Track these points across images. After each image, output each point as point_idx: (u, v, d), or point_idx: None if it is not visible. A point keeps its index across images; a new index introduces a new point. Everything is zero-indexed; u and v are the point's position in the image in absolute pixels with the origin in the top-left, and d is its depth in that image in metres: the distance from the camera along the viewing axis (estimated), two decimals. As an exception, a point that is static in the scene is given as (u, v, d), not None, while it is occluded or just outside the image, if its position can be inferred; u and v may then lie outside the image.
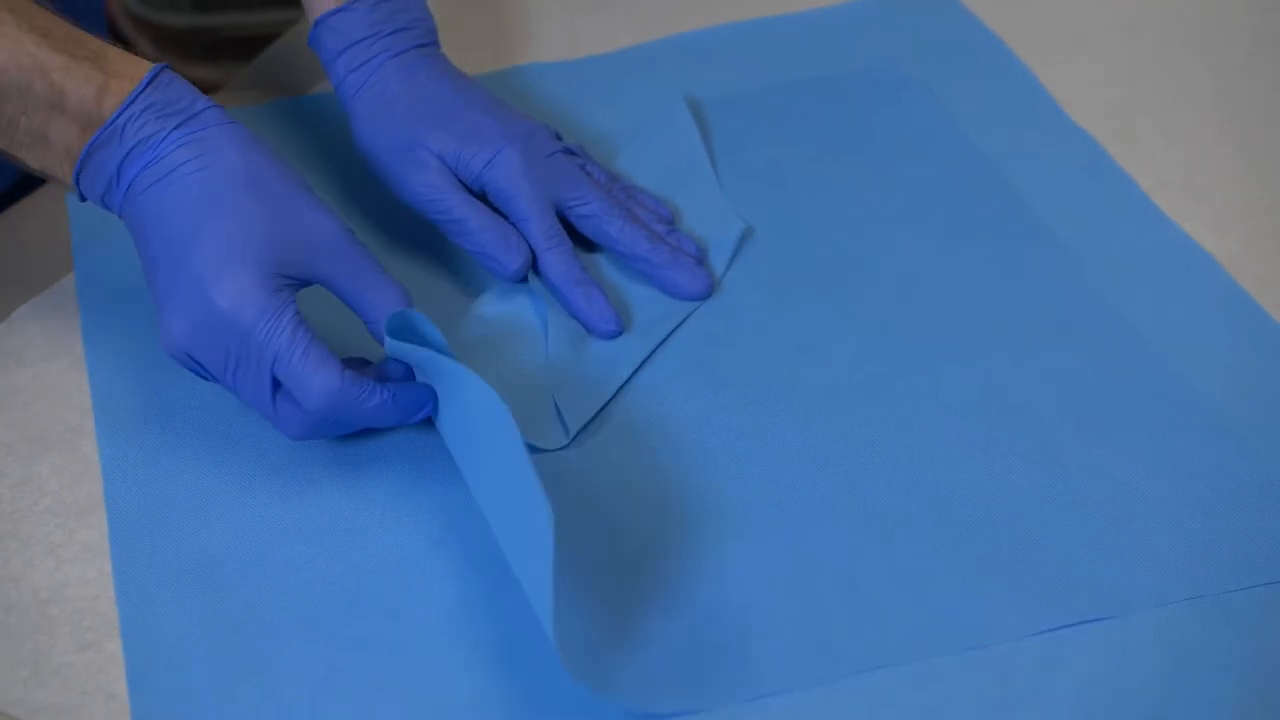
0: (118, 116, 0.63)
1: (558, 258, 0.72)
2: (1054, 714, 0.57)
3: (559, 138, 0.76)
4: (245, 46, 0.99)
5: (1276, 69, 0.90)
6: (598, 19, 0.92)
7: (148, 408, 0.68)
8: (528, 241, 0.72)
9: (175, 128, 0.64)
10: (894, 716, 0.57)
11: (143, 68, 0.64)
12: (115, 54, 0.65)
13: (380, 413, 0.63)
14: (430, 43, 0.76)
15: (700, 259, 0.75)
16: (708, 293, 0.73)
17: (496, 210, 0.74)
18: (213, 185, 0.63)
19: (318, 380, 0.62)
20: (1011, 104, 0.86)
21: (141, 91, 0.64)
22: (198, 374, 0.64)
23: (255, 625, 0.60)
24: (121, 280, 0.74)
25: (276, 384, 0.63)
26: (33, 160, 0.65)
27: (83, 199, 0.66)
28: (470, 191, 0.73)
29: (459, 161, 0.73)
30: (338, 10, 0.75)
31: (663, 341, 0.72)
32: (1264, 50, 0.91)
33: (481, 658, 0.59)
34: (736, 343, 0.72)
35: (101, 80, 0.63)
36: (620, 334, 0.71)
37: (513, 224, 0.73)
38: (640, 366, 0.70)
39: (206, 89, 0.94)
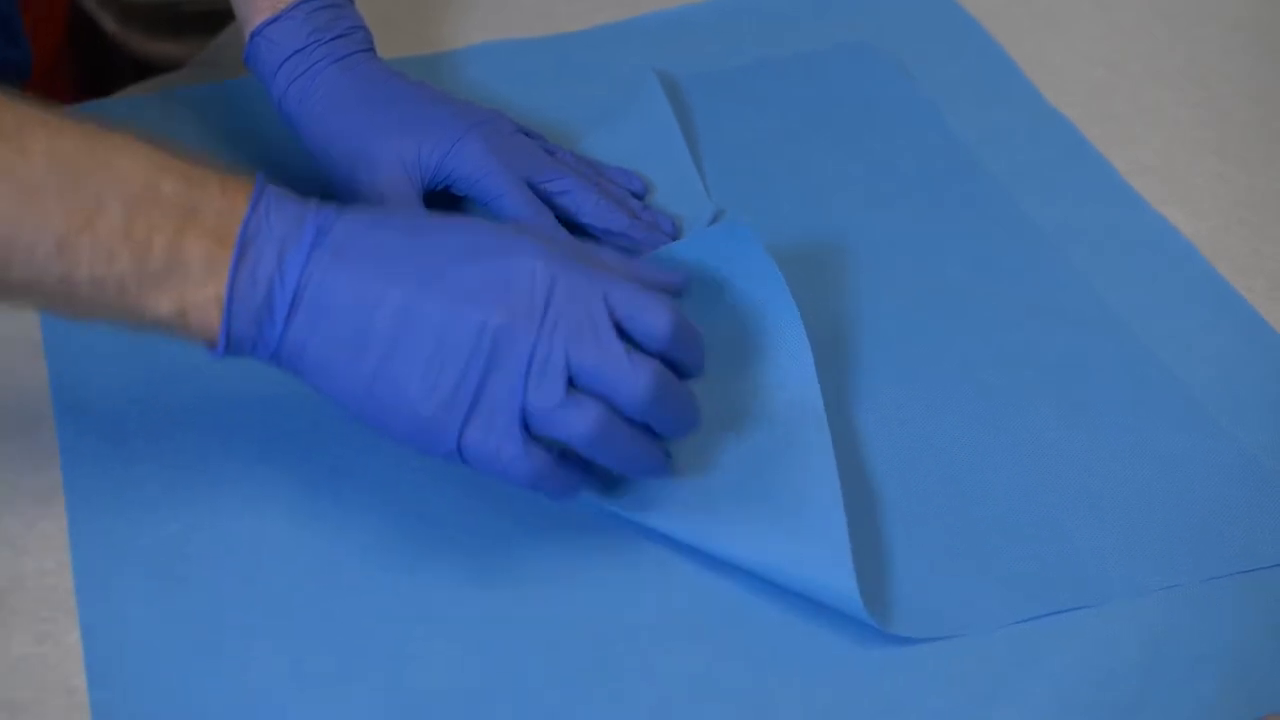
0: (257, 203, 0.56)
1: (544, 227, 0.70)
2: (1032, 703, 0.56)
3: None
4: (210, 22, 0.98)
5: (1256, 50, 0.90)
6: (570, -4, 0.91)
7: (108, 394, 0.66)
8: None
9: (319, 207, 0.57)
10: (873, 702, 0.57)
11: (242, 174, 0.57)
12: (210, 156, 0.57)
13: (701, 340, 0.59)
14: (369, 49, 0.75)
15: (675, 235, 0.74)
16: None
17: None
18: (411, 222, 0.58)
19: (662, 298, 0.57)
20: (987, 85, 0.86)
21: (263, 180, 0.57)
22: (448, 444, 0.56)
23: (219, 616, 0.59)
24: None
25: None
26: (165, 303, 0.55)
27: (225, 348, 0.56)
28: (434, 190, 0.71)
29: (418, 160, 0.71)
30: (274, 19, 0.73)
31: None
32: (1243, 30, 0.91)
33: (454, 646, 0.58)
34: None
35: (219, 176, 0.56)
36: None
37: (486, 203, 0.71)
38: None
39: (171, 65, 0.94)
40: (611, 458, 0.58)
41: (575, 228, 0.73)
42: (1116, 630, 0.59)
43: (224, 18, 0.92)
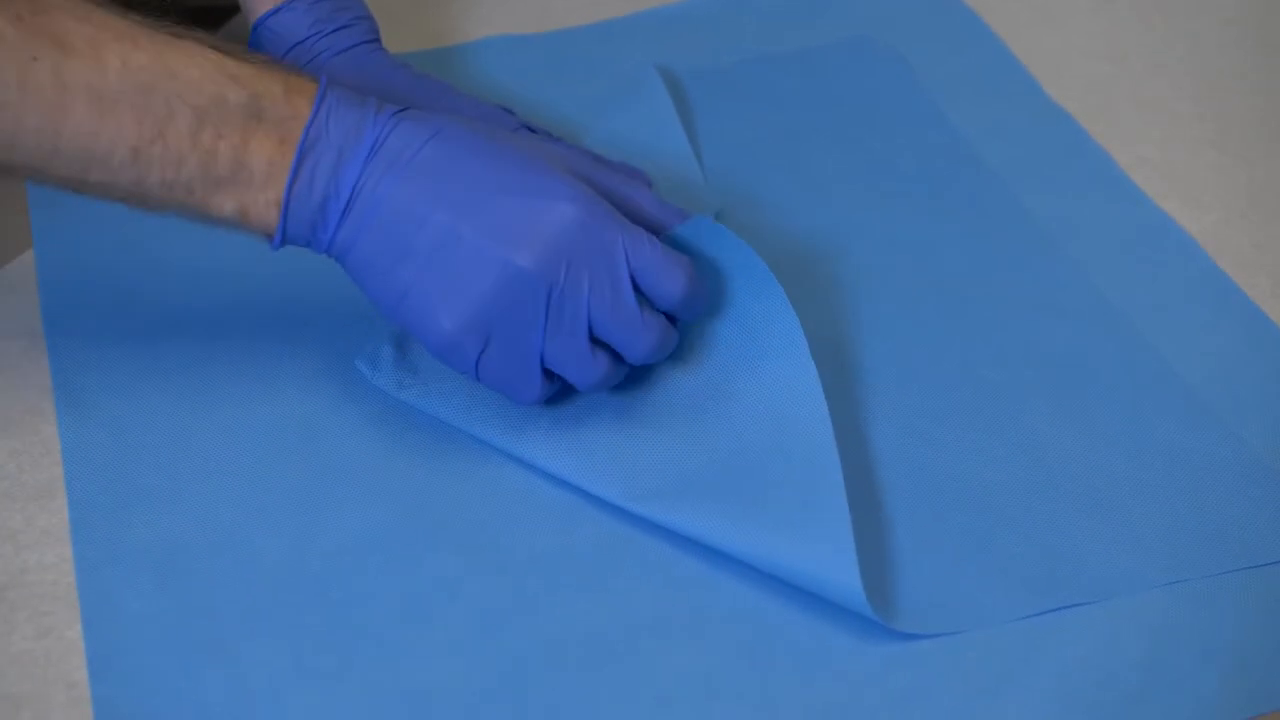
0: (318, 110, 0.58)
1: None
2: (1035, 700, 0.56)
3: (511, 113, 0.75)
4: (211, 16, 0.97)
5: (1254, 44, 0.90)
6: (571, -9, 0.91)
7: (110, 388, 0.66)
8: None
9: (377, 112, 0.59)
10: (877, 698, 0.57)
11: (306, 74, 0.60)
12: (276, 60, 0.61)
13: (707, 297, 0.62)
14: (374, 39, 0.75)
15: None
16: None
17: None
18: (466, 141, 0.59)
19: (681, 262, 0.60)
20: (988, 80, 0.86)
21: (327, 83, 0.59)
22: (468, 365, 0.60)
23: (219, 612, 0.59)
24: (83, 255, 0.72)
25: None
26: (228, 204, 0.58)
27: (280, 243, 0.59)
28: None
29: None
30: (276, 10, 0.73)
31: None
32: (1240, 24, 0.91)
33: (451, 644, 0.58)
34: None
35: (284, 79, 0.59)
36: None
37: None
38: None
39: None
40: (596, 389, 0.62)
41: None
42: (1119, 626, 0.59)
43: (224, 13, 0.92)
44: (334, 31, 0.73)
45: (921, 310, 0.71)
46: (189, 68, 0.57)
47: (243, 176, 0.58)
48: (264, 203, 0.59)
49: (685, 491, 0.61)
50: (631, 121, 0.80)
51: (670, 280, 0.60)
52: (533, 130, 0.74)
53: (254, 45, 0.74)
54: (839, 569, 0.58)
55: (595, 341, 0.61)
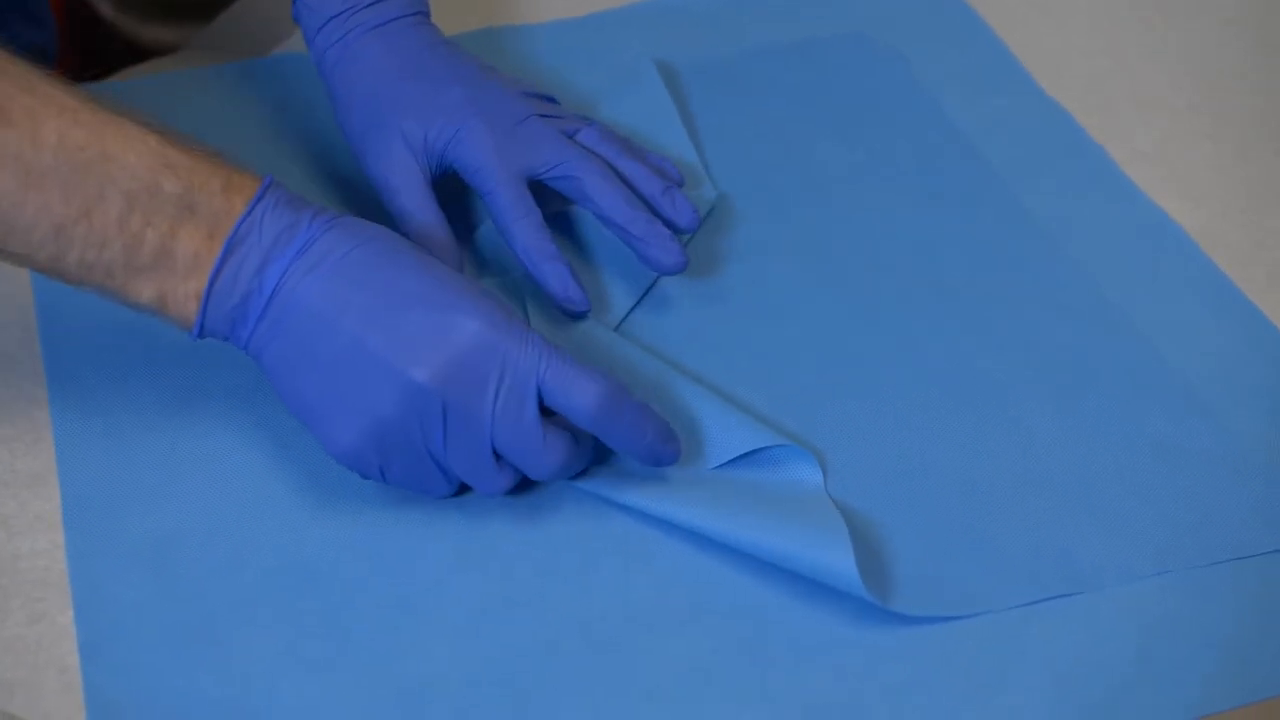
0: (254, 208, 0.58)
1: (523, 229, 0.69)
2: (1025, 691, 0.56)
3: (546, 99, 0.74)
4: (205, 7, 0.97)
5: (1251, 41, 0.90)
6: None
7: (103, 376, 0.66)
8: (493, 215, 0.70)
9: (315, 216, 0.59)
10: (875, 692, 0.57)
11: (251, 172, 0.60)
12: (222, 154, 0.60)
13: (640, 418, 0.59)
14: (416, 12, 0.73)
15: (691, 228, 0.71)
16: (681, 268, 0.70)
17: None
18: (390, 252, 0.59)
19: (595, 384, 0.58)
20: (985, 75, 0.85)
21: (270, 183, 0.59)
22: (373, 474, 0.60)
23: (211, 599, 0.59)
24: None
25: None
26: (147, 291, 0.58)
27: (199, 335, 0.59)
28: (442, 174, 0.71)
29: (424, 144, 0.70)
30: None
31: (634, 307, 0.71)
32: (1238, 22, 0.91)
33: (448, 633, 0.58)
34: (706, 309, 0.71)
35: (225, 174, 0.58)
36: (586, 314, 0.69)
37: (481, 195, 0.71)
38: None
39: (166, 49, 0.93)
40: (502, 493, 0.61)
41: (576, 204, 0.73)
42: (1112, 618, 0.59)
43: (219, 3, 0.92)
44: (371, 5, 0.72)
45: (918, 306, 0.71)
46: (127, 152, 0.57)
47: (166, 265, 0.58)
48: (184, 294, 0.58)
49: (678, 480, 0.61)
50: (628, 114, 0.80)
51: (580, 394, 0.58)
52: (551, 115, 0.73)
53: (295, 18, 0.74)
54: (832, 546, 0.58)
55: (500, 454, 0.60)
